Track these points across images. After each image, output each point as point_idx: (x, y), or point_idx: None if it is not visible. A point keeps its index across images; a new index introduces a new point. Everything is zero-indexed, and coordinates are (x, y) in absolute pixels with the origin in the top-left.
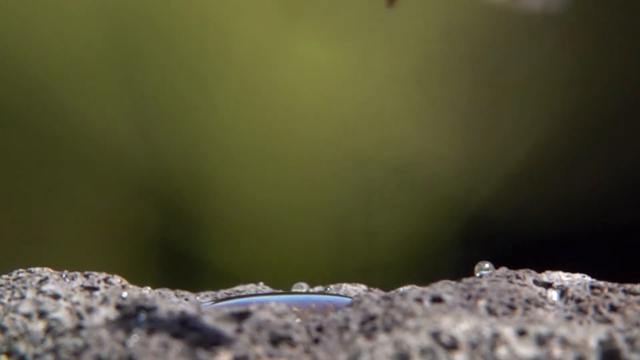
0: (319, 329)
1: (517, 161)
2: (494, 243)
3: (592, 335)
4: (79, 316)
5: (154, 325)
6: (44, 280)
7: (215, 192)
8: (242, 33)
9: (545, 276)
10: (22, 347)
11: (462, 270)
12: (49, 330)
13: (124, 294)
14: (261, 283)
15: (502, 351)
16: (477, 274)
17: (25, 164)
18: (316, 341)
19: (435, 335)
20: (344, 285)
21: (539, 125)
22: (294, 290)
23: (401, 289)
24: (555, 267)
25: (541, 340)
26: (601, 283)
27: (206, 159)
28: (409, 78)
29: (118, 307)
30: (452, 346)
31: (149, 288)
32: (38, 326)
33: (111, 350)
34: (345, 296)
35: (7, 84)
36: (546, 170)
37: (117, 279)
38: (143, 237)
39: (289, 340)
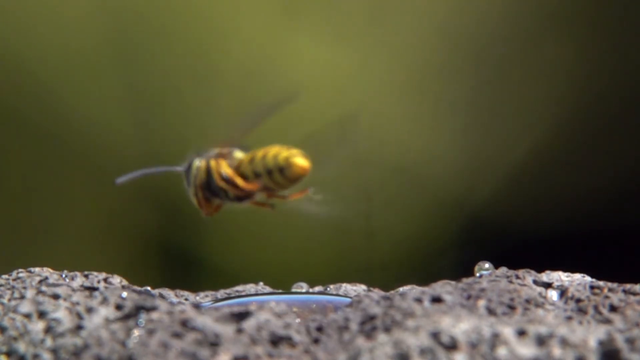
0: (319, 329)
1: (517, 161)
2: (494, 243)
3: (592, 335)
4: (79, 316)
5: (154, 325)
6: (44, 280)
7: None
8: (242, 33)
9: (545, 276)
10: (22, 347)
11: (462, 270)
12: (48, 330)
13: (124, 294)
14: (261, 283)
15: (502, 351)
16: (477, 274)
17: (25, 164)
18: (316, 341)
19: (435, 335)
20: (344, 285)
21: (539, 125)
22: (294, 290)
23: (401, 289)
24: (555, 267)
25: (541, 340)
26: (601, 283)
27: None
28: (410, 78)
29: (118, 307)
30: (452, 346)
31: (148, 288)
32: (38, 326)
33: (111, 350)
34: (345, 296)
35: (7, 83)
36: (546, 170)
37: (117, 279)
38: (143, 237)
39: (289, 340)
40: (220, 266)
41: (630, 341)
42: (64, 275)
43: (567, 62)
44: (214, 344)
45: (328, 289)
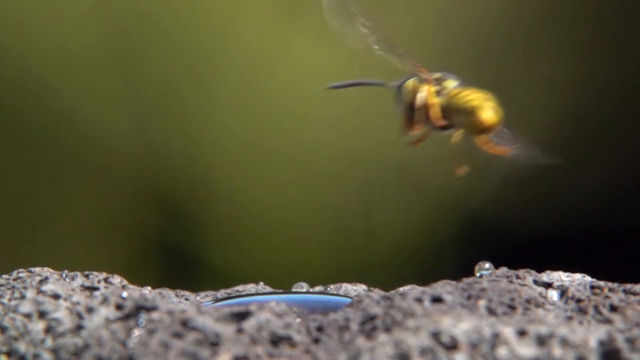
0: (319, 329)
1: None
2: (494, 243)
3: (592, 335)
4: (79, 316)
5: (155, 325)
6: (44, 280)
7: (215, 192)
8: (242, 33)
9: (545, 276)
10: (22, 347)
11: (462, 270)
12: (49, 330)
13: (124, 294)
14: (261, 283)
15: (502, 351)
16: (477, 274)
17: (25, 164)
18: (316, 341)
19: (436, 335)
20: (344, 285)
21: (539, 125)
22: (294, 290)
23: (401, 289)
24: (555, 267)
25: (541, 340)
26: (601, 283)
27: (206, 158)
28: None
29: (118, 307)
30: (452, 346)
31: (149, 288)
32: (38, 326)
33: (111, 350)
34: (345, 296)
35: (7, 83)
36: (546, 170)
37: (117, 279)
38: (143, 236)
39: (289, 340)
40: (220, 266)
41: (630, 341)
42: (64, 275)
43: (566, 61)
44: (214, 343)
45: (328, 289)
